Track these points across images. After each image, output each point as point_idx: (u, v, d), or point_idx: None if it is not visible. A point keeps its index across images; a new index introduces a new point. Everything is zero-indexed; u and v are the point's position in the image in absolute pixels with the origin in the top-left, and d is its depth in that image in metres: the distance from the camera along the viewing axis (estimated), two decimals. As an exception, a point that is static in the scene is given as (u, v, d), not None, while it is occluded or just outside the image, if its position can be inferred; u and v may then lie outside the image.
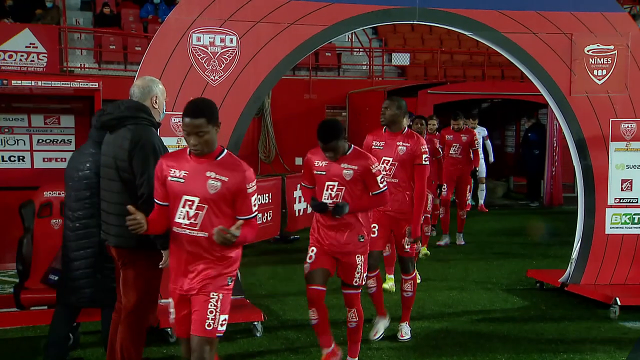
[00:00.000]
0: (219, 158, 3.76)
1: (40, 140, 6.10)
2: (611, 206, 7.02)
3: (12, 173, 6.32)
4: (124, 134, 4.30)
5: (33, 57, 14.14)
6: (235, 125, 6.15)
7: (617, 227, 7.03)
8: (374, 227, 5.57)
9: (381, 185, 4.88)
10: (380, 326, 5.91)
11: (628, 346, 5.77)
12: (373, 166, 4.85)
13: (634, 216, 7.05)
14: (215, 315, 3.74)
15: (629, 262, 7.03)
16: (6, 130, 5.97)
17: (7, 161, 6.27)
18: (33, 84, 5.69)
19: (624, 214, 7.05)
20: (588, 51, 6.88)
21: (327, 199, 4.85)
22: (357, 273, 4.91)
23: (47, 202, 5.69)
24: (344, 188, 4.83)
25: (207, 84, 6.05)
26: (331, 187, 4.85)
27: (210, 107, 3.76)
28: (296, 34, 6.23)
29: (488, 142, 13.87)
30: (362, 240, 4.91)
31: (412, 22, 6.80)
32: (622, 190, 7.03)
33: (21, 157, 6.03)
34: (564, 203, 13.92)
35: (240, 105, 6.15)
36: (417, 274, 6.92)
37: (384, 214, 5.68)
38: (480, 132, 13.25)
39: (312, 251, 4.93)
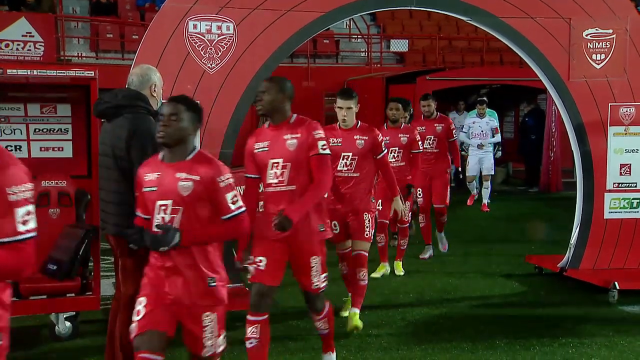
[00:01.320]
0: None
1: (37, 130, 6.05)
2: (610, 191, 7.02)
3: (10, 163, 6.29)
4: (122, 122, 4.29)
5: (30, 47, 14.09)
6: (233, 113, 6.13)
7: (616, 212, 7.03)
8: (261, 259, 4.39)
9: (233, 207, 3.46)
10: None
11: (627, 330, 5.79)
12: (221, 177, 3.45)
13: (632, 201, 7.05)
14: None
15: (627, 247, 7.04)
16: (2, 119, 5.93)
17: (4, 151, 6.25)
18: (29, 73, 5.66)
19: (622, 199, 7.04)
20: (586, 35, 6.85)
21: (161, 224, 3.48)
22: (206, 337, 3.49)
23: (45, 192, 5.66)
24: (180, 209, 3.45)
25: (204, 72, 6.02)
26: (164, 208, 3.47)
27: None
28: (293, 20, 6.20)
29: (498, 136, 12.10)
30: (214, 284, 3.51)
31: (410, 8, 6.78)
32: (620, 174, 7.02)
33: (18, 147, 5.98)
34: (564, 188, 13.84)
35: (238, 94, 6.13)
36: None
37: (276, 244, 4.38)
38: (489, 122, 11.96)
39: (140, 304, 3.52)
